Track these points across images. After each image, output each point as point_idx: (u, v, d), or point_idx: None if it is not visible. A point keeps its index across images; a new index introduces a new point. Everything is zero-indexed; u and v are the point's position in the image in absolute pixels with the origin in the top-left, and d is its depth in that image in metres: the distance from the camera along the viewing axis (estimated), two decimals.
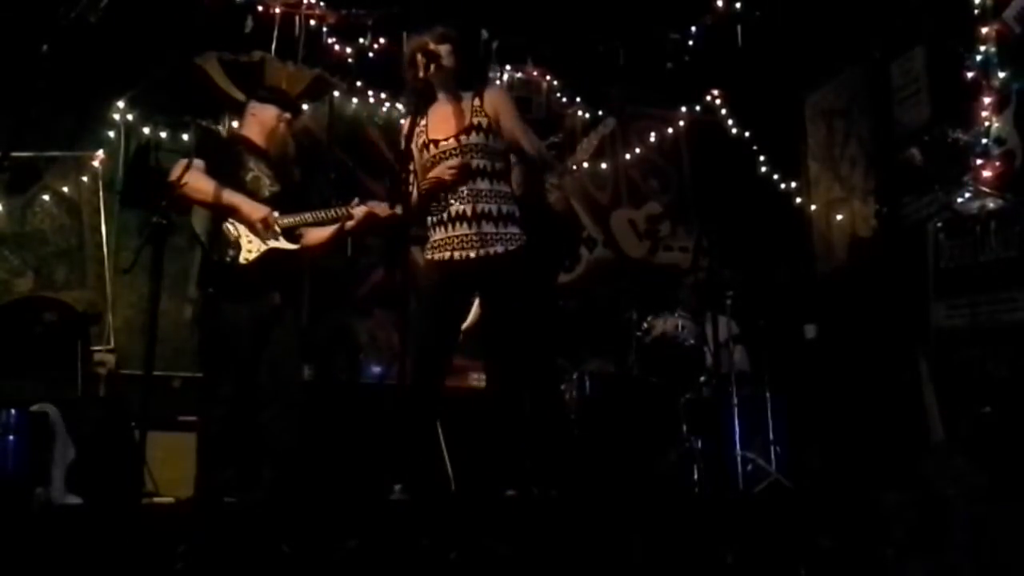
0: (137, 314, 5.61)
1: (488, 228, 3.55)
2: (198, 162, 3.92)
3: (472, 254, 3.55)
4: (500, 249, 3.55)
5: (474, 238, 3.54)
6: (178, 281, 5.68)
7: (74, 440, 4.25)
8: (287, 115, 4.30)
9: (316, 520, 3.41)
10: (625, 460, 5.05)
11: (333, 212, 4.08)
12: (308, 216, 4.08)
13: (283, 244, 4.04)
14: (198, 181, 3.86)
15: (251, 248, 3.96)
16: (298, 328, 4.24)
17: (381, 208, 3.95)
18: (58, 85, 5.45)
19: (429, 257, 3.62)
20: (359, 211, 4.02)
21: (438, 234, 3.61)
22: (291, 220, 4.06)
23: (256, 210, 3.96)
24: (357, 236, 4.30)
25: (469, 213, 3.55)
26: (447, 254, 3.58)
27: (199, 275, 4.02)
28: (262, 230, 3.97)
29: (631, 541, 3.36)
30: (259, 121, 4.25)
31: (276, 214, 4.01)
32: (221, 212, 3.96)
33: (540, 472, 4.70)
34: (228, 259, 3.93)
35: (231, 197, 3.94)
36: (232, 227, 3.96)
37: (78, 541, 3.11)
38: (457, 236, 3.57)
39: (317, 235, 4.16)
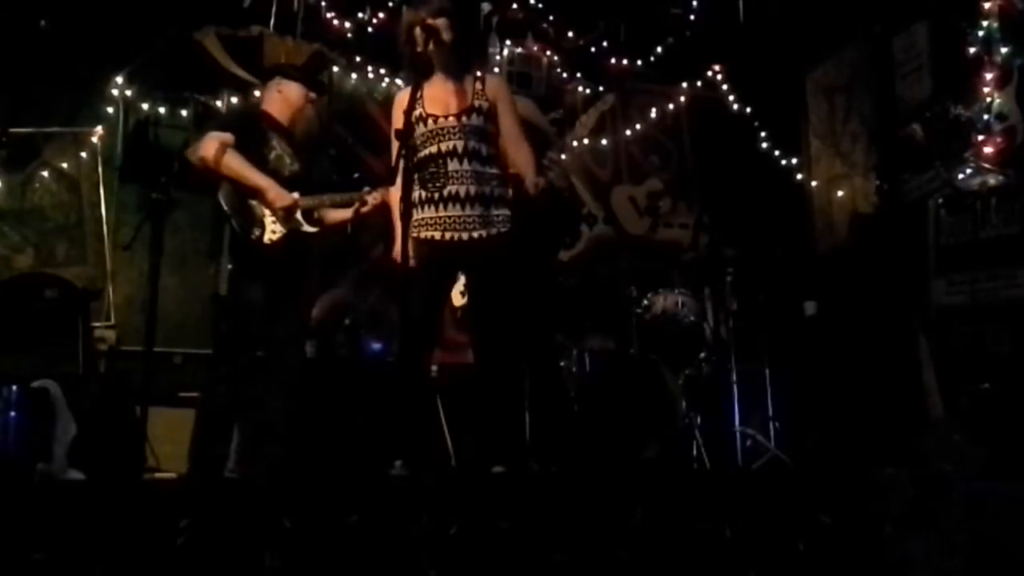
0: (137, 290, 5.60)
1: (480, 210, 3.58)
2: (228, 137, 3.91)
3: (464, 236, 3.57)
4: (492, 231, 3.58)
5: (467, 220, 3.57)
6: (178, 257, 5.66)
7: (75, 416, 4.26)
8: (312, 94, 4.29)
9: (317, 495, 3.42)
10: (624, 436, 5.06)
11: (349, 196, 4.11)
12: (327, 199, 4.12)
13: (306, 228, 4.06)
14: (232, 159, 3.87)
15: (275, 228, 3.97)
16: (303, 309, 4.28)
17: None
18: (56, 61, 5.43)
19: (416, 235, 3.59)
20: (373, 197, 4.06)
21: (427, 212, 3.60)
22: (311, 202, 4.08)
23: (281, 197, 3.96)
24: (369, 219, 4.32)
25: (463, 195, 3.56)
26: (437, 233, 3.58)
27: (230, 249, 4.03)
28: (283, 217, 3.98)
29: (630, 516, 3.37)
30: (284, 98, 4.23)
31: (297, 195, 4.01)
32: (247, 191, 3.96)
33: (540, 447, 4.72)
34: (254, 237, 3.94)
35: (259, 179, 3.93)
36: (257, 205, 3.96)
37: (80, 516, 3.11)
38: (449, 216, 3.57)
39: (335, 216, 4.20)
